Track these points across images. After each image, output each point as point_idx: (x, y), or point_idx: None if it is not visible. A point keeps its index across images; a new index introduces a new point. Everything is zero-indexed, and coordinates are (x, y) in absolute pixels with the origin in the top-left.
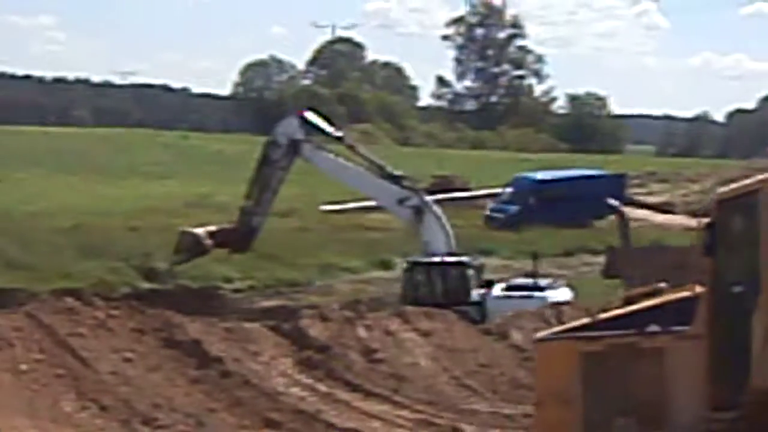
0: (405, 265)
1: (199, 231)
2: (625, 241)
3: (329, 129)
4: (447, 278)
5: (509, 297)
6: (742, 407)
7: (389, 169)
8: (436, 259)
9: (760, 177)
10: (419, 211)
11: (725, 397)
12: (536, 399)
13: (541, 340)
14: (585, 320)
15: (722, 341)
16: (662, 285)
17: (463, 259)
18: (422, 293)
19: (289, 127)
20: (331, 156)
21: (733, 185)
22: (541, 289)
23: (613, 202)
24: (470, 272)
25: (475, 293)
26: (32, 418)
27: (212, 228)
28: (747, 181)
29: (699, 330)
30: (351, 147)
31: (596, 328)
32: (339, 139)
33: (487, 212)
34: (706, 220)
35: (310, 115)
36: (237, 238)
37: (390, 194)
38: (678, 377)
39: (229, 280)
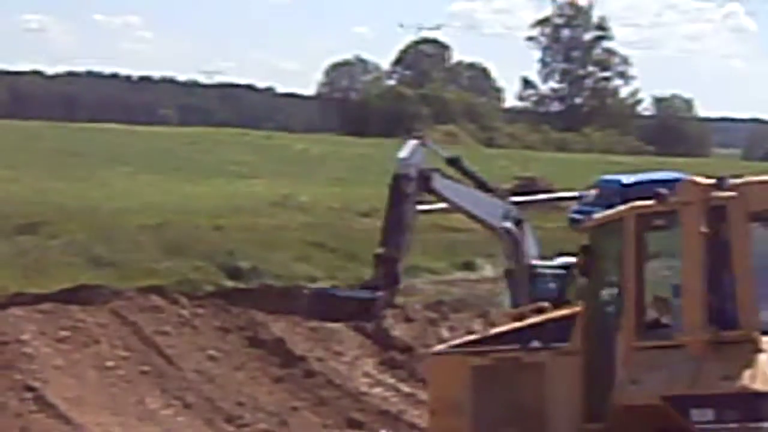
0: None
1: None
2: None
3: (445, 153)
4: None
5: None
6: (608, 420)
7: (492, 184)
8: (558, 262)
9: (626, 206)
10: (519, 222)
11: (596, 410)
12: (430, 409)
13: (436, 353)
14: (475, 335)
15: (594, 358)
16: (546, 303)
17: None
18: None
19: (416, 156)
20: (461, 186)
21: (607, 212)
22: None
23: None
24: None
25: None
26: (117, 414)
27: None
28: (617, 209)
29: (575, 346)
30: (461, 166)
31: (486, 343)
32: (453, 161)
33: (571, 215)
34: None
35: (429, 140)
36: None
37: (497, 211)
38: (556, 390)
39: (312, 280)
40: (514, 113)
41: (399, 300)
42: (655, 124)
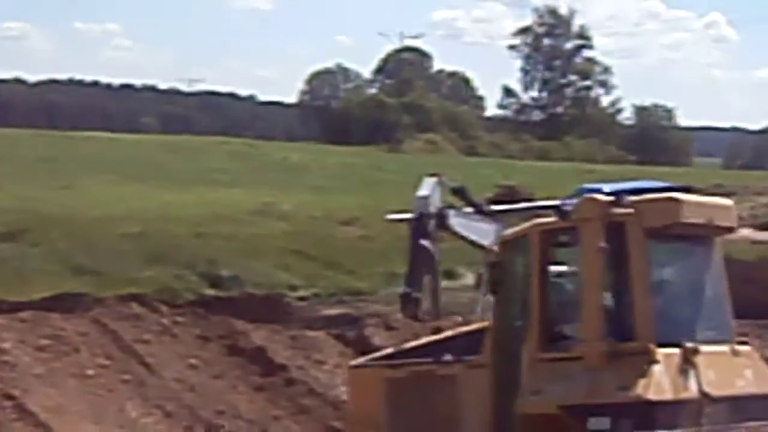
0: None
1: None
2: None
3: (451, 184)
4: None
5: None
6: (514, 430)
7: (488, 208)
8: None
9: (531, 223)
10: None
11: (504, 421)
12: (349, 420)
13: (354, 366)
14: (392, 349)
15: (502, 370)
16: (460, 318)
17: None
18: None
19: (435, 194)
20: (470, 221)
21: (514, 228)
22: None
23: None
24: None
25: None
26: (97, 423)
27: None
28: (522, 226)
29: (485, 359)
30: (465, 196)
31: (402, 357)
32: (458, 191)
33: None
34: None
35: (443, 176)
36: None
37: (494, 233)
38: (468, 402)
39: (293, 288)
40: (495, 122)
41: (380, 308)
42: (636, 133)
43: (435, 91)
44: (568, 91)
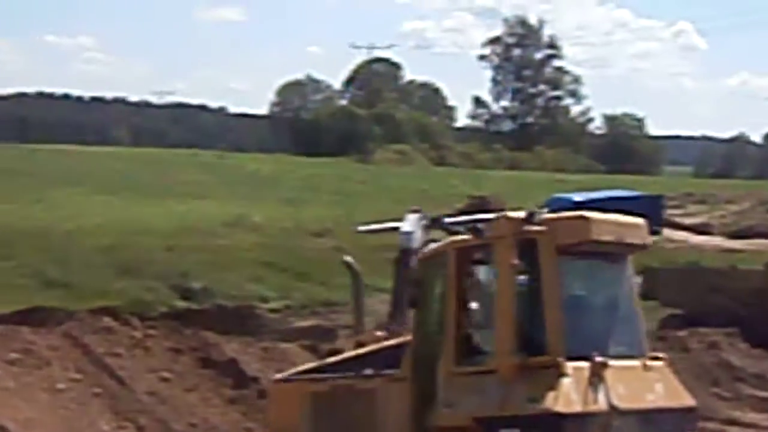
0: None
1: None
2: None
3: (429, 215)
4: None
5: None
6: None
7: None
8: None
9: (448, 240)
10: None
11: None
12: None
13: (277, 381)
14: (314, 363)
15: (421, 384)
16: (381, 333)
17: None
18: None
19: (418, 230)
20: None
21: (433, 246)
22: None
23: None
24: None
25: None
26: None
27: None
28: (440, 244)
29: (405, 373)
30: (441, 224)
31: (324, 371)
32: (435, 220)
33: None
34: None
35: (424, 212)
36: None
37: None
38: (388, 415)
39: (265, 300)
40: (465, 132)
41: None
42: (606, 142)
43: (405, 101)
44: (539, 100)
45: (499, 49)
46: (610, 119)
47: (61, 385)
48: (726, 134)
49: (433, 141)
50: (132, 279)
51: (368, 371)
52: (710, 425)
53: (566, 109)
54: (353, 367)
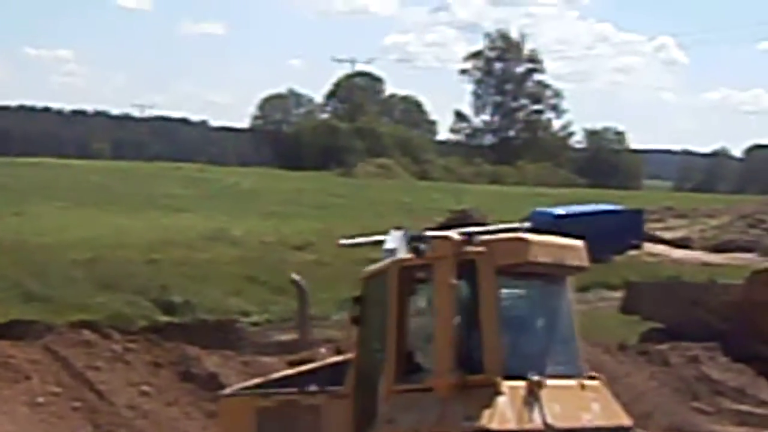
0: None
1: None
2: (302, 308)
3: (411, 232)
4: None
5: None
6: None
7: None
8: None
9: (390, 260)
10: None
11: None
12: None
13: (226, 396)
14: (260, 379)
15: (363, 401)
16: (323, 350)
17: None
18: None
19: (401, 247)
20: None
21: (374, 266)
22: None
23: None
24: None
25: None
26: None
27: None
28: (383, 263)
29: (348, 390)
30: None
31: (271, 386)
32: (417, 238)
33: None
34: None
35: (407, 229)
36: None
37: None
38: (331, 431)
39: (245, 314)
40: (447, 146)
41: (333, 333)
42: (587, 156)
43: (387, 115)
44: (520, 114)
45: (480, 63)
46: (591, 133)
47: (40, 399)
48: (707, 148)
49: (415, 155)
50: (112, 293)
51: (313, 387)
52: None
53: (547, 123)
54: (299, 383)
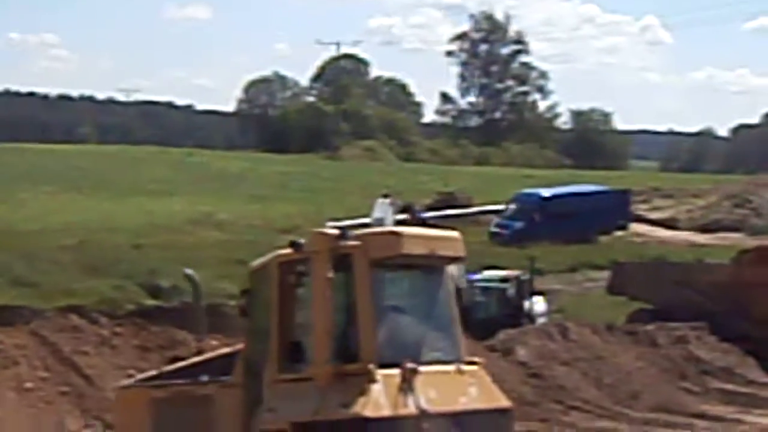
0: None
1: None
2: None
3: (400, 202)
4: (505, 296)
5: None
6: None
7: (431, 221)
8: (486, 275)
9: (272, 254)
10: None
11: None
12: None
13: (122, 387)
14: (156, 371)
15: (251, 390)
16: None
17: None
18: (481, 314)
19: (389, 215)
20: None
21: (261, 259)
22: None
23: None
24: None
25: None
26: None
27: None
28: (267, 257)
29: (237, 380)
30: (412, 212)
31: (167, 377)
32: (406, 209)
33: (492, 228)
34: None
35: (394, 197)
36: None
37: None
38: (222, 421)
39: (234, 297)
40: (433, 128)
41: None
42: (574, 137)
43: (373, 98)
44: (506, 96)
45: (465, 44)
46: (577, 114)
47: (29, 384)
48: (692, 128)
49: (401, 137)
50: (99, 277)
51: (204, 378)
52: (679, 419)
53: (533, 105)
54: (192, 374)
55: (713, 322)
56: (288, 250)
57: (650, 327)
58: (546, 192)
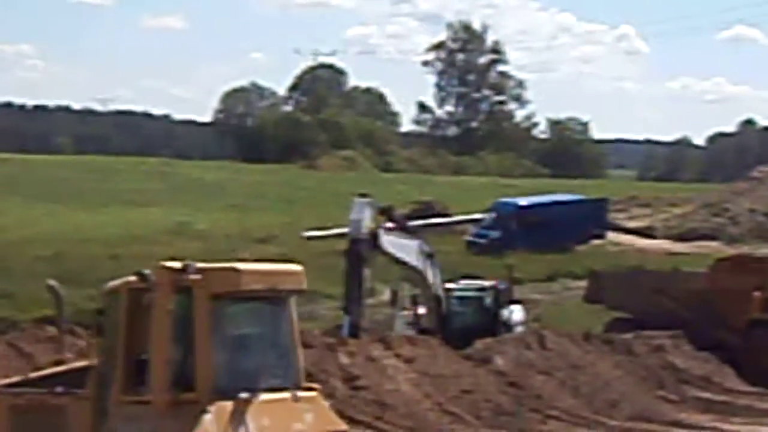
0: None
1: None
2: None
3: (379, 204)
4: (482, 305)
5: None
6: None
7: (410, 225)
8: (463, 284)
9: (123, 281)
10: (430, 254)
11: None
12: None
13: None
14: (18, 378)
15: (101, 405)
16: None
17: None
18: (459, 323)
19: (366, 216)
20: (399, 239)
21: (115, 282)
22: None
23: None
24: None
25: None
26: None
27: None
28: (119, 281)
29: (90, 393)
30: (390, 214)
31: (27, 385)
32: (385, 210)
33: (469, 237)
34: None
35: (371, 197)
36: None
37: (418, 250)
38: (73, 431)
39: None
40: (410, 138)
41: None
42: (551, 146)
43: (350, 107)
44: (483, 105)
45: (442, 54)
46: (554, 123)
47: None
48: (669, 137)
49: (379, 147)
50: (76, 288)
51: (59, 388)
52: (656, 428)
53: (510, 114)
54: (52, 384)
55: (690, 330)
56: (135, 278)
57: (627, 336)
58: (523, 201)
